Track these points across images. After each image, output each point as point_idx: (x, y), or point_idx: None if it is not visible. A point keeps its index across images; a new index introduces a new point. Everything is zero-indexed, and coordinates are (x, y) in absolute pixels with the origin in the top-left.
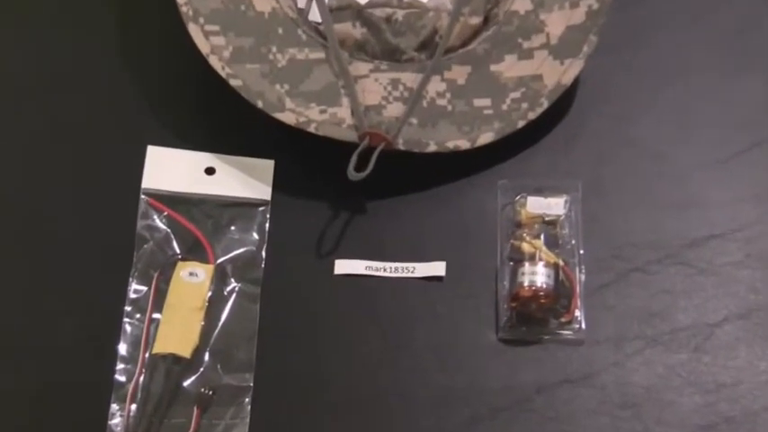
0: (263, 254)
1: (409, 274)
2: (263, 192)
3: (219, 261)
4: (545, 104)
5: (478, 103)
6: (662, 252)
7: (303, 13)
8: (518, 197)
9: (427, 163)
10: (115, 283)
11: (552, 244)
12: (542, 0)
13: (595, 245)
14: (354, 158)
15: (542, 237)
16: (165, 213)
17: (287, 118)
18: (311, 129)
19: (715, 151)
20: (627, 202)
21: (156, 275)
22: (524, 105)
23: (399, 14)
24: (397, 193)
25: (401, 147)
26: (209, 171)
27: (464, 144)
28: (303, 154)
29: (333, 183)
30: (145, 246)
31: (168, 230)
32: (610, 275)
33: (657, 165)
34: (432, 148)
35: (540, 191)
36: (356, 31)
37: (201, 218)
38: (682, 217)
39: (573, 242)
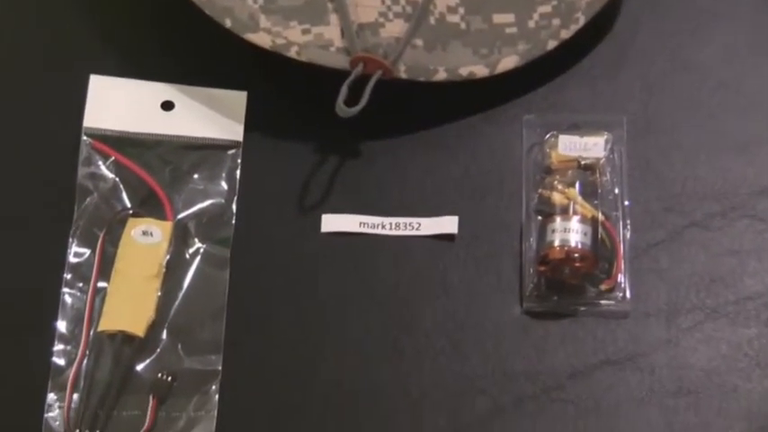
0: (234, 208)
1: (414, 232)
2: (233, 131)
3: (180, 217)
4: (581, 20)
5: (499, 19)
6: (726, 203)
7: None
8: (548, 136)
9: (435, 95)
10: (51, 246)
11: (590, 193)
12: None
13: (644, 195)
14: (345, 90)
15: (578, 185)
16: (113, 158)
17: (261, 40)
18: (291, 53)
19: None
20: (683, 142)
21: (101, 235)
22: (556, 22)
23: None
24: (397, 133)
25: (403, 75)
26: (167, 106)
27: (481, 71)
28: (282, 84)
29: (319, 120)
30: (88, 199)
31: (116, 180)
32: (661, 233)
33: (722, 95)
34: (441, 75)
35: (575, 128)
36: None
37: (157, 164)
38: (751, 160)
39: (616, 191)
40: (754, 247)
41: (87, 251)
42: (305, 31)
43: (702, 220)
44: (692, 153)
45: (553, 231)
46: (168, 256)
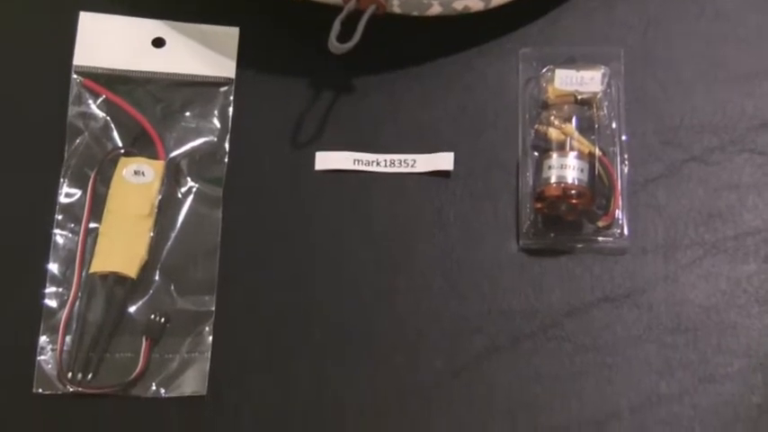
0: (226, 146)
1: (409, 169)
2: (225, 68)
3: (172, 156)
4: None
5: None
6: (725, 136)
7: None
8: (544, 70)
9: (430, 29)
10: (41, 186)
11: (587, 129)
12: None
13: (641, 129)
14: (337, 25)
15: (574, 120)
16: (103, 97)
17: None
18: None
19: None
20: (681, 75)
21: (92, 175)
22: None
23: None
24: (391, 67)
25: (396, 9)
26: (158, 42)
27: (476, 4)
28: (275, 20)
29: (312, 56)
30: (78, 139)
31: (107, 118)
32: (659, 167)
33: (721, 26)
34: (435, 9)
35: (571, 62)
36: None
37: (148, 101)
38: (751, 92)
39: (613, 126)
40: (754, 182)
41: (78, 192)
42: None
43: (701, 154)
44: (691, 86)
45: (549, 168)
46: (160, 196)
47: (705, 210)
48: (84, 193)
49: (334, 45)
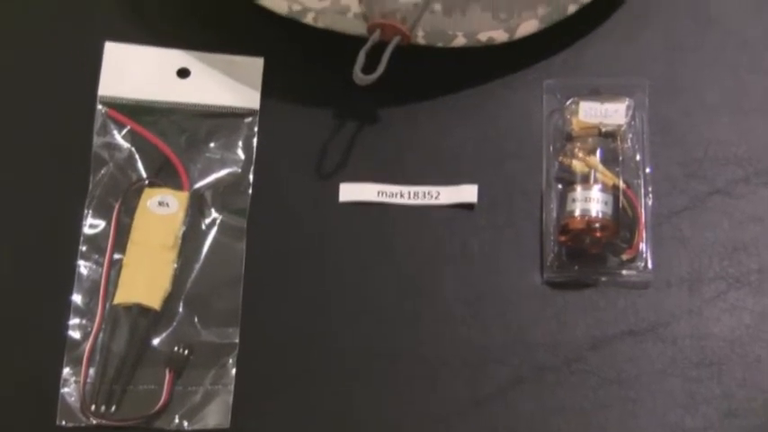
0: (251, 177)
1: (433, 201)
2: (249, 98)
3: (196, 186)
4: None
5: None
6: (750, 169)
7: None
8: (569, 102)
9: (454, 60)
10: (67, 216)
11: (611, 161)
12: None
13: (666, 161)
14: (362, 57)
15: (599, 152)
16: (128, 127)
17: (277, 6)
18: (308, 19)
19: None
20: (706, 105)
21: (116, 206)
22: None
23: None
24: (416, 99)
25: (421, 40)
26: (183, 73)
27: (501, 36)
28: (299, 50)
29: (336, 86)
30: (103, 169)
31: (131, 149)
32: (684, 200)
33: (746, 55)
34: (460, 41)
35: (596, 93)
36: None
37: (173, 132)
38: None
39: (637, 158)
40: None
41: (103, 222)
42: None
43: (725, 186)
44: (715, 117)
45: (574, 200)
46: (184, 227)
47: (729, 243)
48: (109, 223)
49: (359, 77)
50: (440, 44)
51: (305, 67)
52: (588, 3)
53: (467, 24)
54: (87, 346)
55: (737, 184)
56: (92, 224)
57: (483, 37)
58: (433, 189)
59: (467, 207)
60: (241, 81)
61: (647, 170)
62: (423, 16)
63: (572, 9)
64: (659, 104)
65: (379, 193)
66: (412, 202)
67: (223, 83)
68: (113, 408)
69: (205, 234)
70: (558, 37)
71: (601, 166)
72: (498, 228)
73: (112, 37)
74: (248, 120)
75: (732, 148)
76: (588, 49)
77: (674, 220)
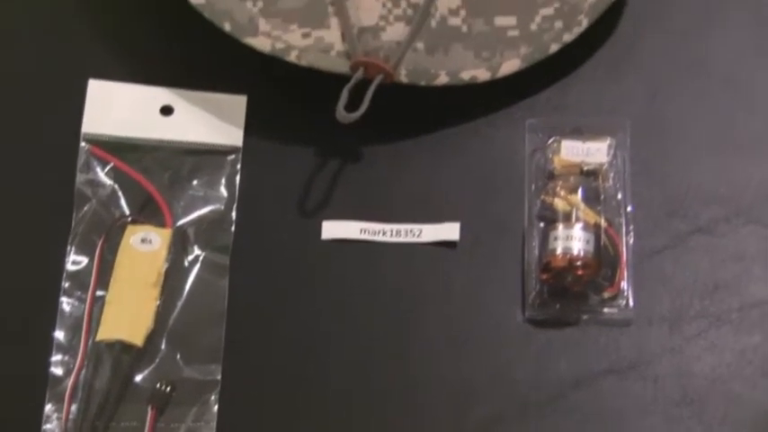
0: (234, 214)
1: (415, 239)
2: (232, 136)
3: (179, 224)
4: (584, 23)
5: (501, 21)
6: (731, 208)
7: None
8: (551, 141)
9: (437, 98)
10: (49, 253)
11: (593, 199)
12: None
13: (647, 200)
14: (345, 95)
15: (580, 191)
16: (111, 164)
17: (260, 44)
18: (291, 57)
19: None
20: (687, 145)
21: (99, 243)
22: (558, 24)
23: None
24: (398, 137)
25: (404, 79)
26: (166, 110)
27: (483, 74)
28: (282, 88)
29: (319, 124)
30: (86, 206)
31: (114, 186)
32: (665, 238)
33: (728, 95)
34: (443, 79)
35: (578, 132)
36: None
37: (156, 169)
38: (756, 164)
39: (619, 197)
40: (759, 253)
41: (85, 259)
42: (305, 35)
43: (706, 225)
44: (697, 156)
45: (555, 239)
46: (167, 264)
47: (710, 281)
48: (92, 260)
49: (342, 114)
50: (423, 83)
51: (288, 104)
52: (570, 42)
53: (450, 63)
54: (70, 382)
55: (719, 224)
56: (75, 261)
57: (466, 76)
58: (416, 227)
59: (449, 245)
60: (224, 119)
61: (629, 209)
62: (406, 55)
63: (554, 48)
64: (641, 144)
65: (361, 230)
66: (394, 239)
67: (206, 120)
68: None
69: (188, 271)
70: (541, 76)
71: (582, 205)
72: (480, 265)
73: (96, 74)
74: (231, 157)
75: (713, 187)
76: (570, 89)
77: (655, 259)
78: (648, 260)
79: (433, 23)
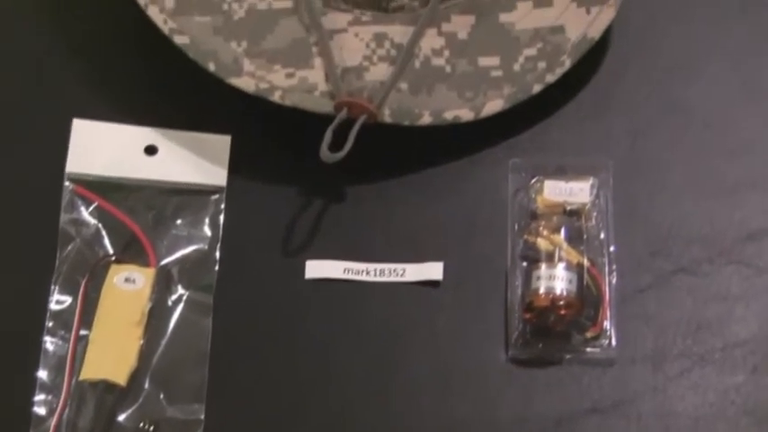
0: (217, 254)
1: (399, 279)
2: (216, 176)
3: (163, 263)
4: (567, 64)
5: (484, 62)
6: (713, 248)
7: None
8: (534, 180)
9: (421, 138)
10: (32, 292)
11: (576, 239)
12: None
13: (630, 240)
14: (329, 135)
15: (563, 230)
16: (95, 203)
17: (245, 84)
18: (275, 98)
19: None
20: (670, 185)
21: (83, 282)
22: (541, 65)
23: None
24: (382, 176)
25: (387, 119)
26: (150, 150)
27: (466, 114)
28: (266, 128)
29: (303, 163)
30: (70, 245)
31: (99, 225)
32: (648, 278)
33: (710, 137)
34: (426, 119)
35: (561, 172)
36: None
37: (140, 209)
38: (739, 203)
39: (602, 236)
40: (741, 293)
41: (69, 298)
42: (289, 75)
43: (689, 265)
44: (679, 196)
45: (538, 278)
46: (151, 303)
47: (693, 321)
48: (75, 299)
49: (326, 154)
50: (406, 122)
51: (272, 144)
52: (553, 82)
53: (433, 103)
54: (53, 422)
55: (701, 264)
56: (58, 300)
57: (449, 115)
58: (399, 266)
59: (433, 284)
60: (208, 158)
61: (612, 248)
62: (389, 95)
63: (537, 88)
64: (623, 184)
65: (345, 270)
66: (378, 279)
67: (190, 160)
68: None
69: (171, 310)
70: (524, 116)
71: (565, 244)
72: (464, 305)
73: (80, 114)
74: (215, 197)
75: (696, 227)
76: (553, 128)
77: (638, 298)
78: (631, 299)
79: (417, 64)
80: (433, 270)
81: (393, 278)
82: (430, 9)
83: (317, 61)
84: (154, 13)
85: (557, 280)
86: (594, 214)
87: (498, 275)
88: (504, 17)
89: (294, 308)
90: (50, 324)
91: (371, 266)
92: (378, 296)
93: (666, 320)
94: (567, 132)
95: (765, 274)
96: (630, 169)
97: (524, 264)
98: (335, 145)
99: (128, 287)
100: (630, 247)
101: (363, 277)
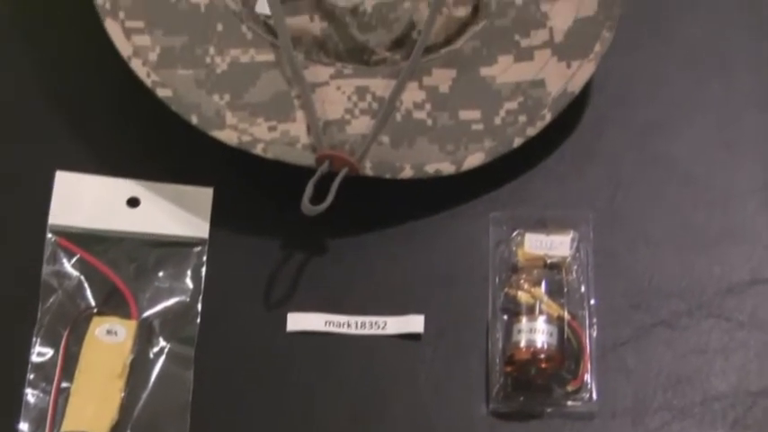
0: (199, 306)
1: (380, 331)
2: (199, 228)
3: (145, 315)
4: (548, 117)
5: (465, 115)
6: (692, 301)
7: (249, 3)
8: (514, 234)
9: (402, 191)
10: (14, 344)
11: (556, 291)
12: None
13: (610, 292)
14: (310, 188)
15: (544, 284)
16: (78, 255)
17: (227, 137)
18: (257, 150)
19: (765, 172)
20: (650, 238)
21: (65, 334)
22: (522, 118)
23: (368, 4)
24: (364, 228)
25: (369, 172)
26: (133, 202)
27: (447, 168)
28: (248, 180)
29: (285, 215)
30: (52, 297)
31: (81, 277)
32: (628, 331)
33: (689, 190)
34: (407, 173)
35: (541, 225)
36: (314, 25)
37: (122, 261)
38: (718, 257)
39: (582, 290)
40: (721, 347)
41: (51, 350)
42: (271, 128)
43: (669, 318)
44: (659, 250)
45: (519, 331)
46: (132, 356)
47: (673, 374)
48: (57, 351)
49: (308, 207)
50: (387, 175)
51: (254, 196)
52: (534, 136)
53: (414, 156)
54: None
55: (681, 317)
56: (40, 352)
57: (430, 169)
58: (380, 319)
59: (414, 337)
60: (190, 211)
61: (592, 301)
62: (371, 148)
63: (518, 142)
64: (604, 237)
65: (326, 322)
66: (359, 332)
67: (173, 212)
68: None
69: (153, 363)
70: (505, 169)
71: (546, 298)
72: (445, 358)
73: (63, 166)
74: (197, 249)
75: (675, 280)
76: (534, 181)
77: (618, 351)
78: (612, 352)
79: (398, 117)
80: (413, 323)
81: (374, 331)
82: (411, 62)
83: (300, 114)
84: (137, 66)
85: (537, 333)
86: (575, 268)
87: (479, 328)
88: (485, 71)
89: (275, 361)
90: (32, 376)
91: (353, 319)
92: (359, 349)
93: (646, 374)
94: (548, 185)
95: (745, 328)
96: (611, 222)
97: (505, 317)
98: (317, 198)
99: (109, 339)
100: (611, 300)
101: (345, 330)
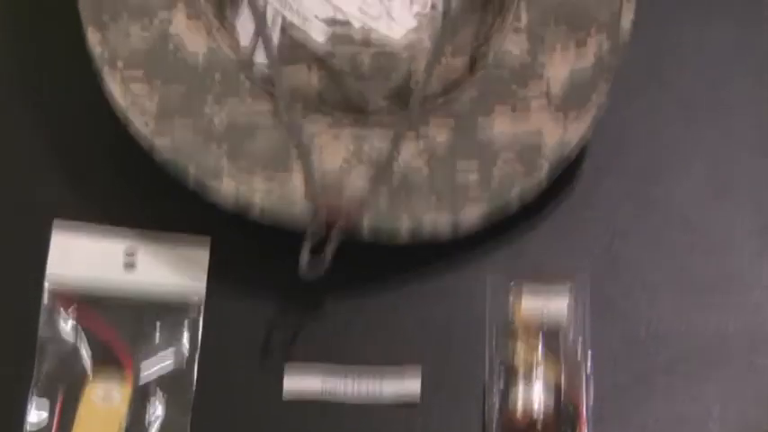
0: (195, 372)
1: (377, 391)
2: (195, 289)
3: (142, 384)
4: (545, 168)
5: (462, 166)
6: (691, 348)
7: (247, 53)
8: (511, 297)
9: (399, 253)
10: (9, 409)
11: (553, 356)
12: (542, 38)
13: (607, 342)
14: (306, 254)
15: (540, 348)
16: (74, 319)
17: (224, 200)
18: (254, 214)
19: (762, 218)
20: (647, 286)
21: (60, 398)
22: (519, 168)
23: (365, 55)
24: (361, 289)
25: (366, 237)
26: (129, 264)
27: (445, 218)
28: (244, 241)
29: (282, 276)
30: (47, 361)
31: (76, 341)
32: (625, 378)
33: (687, 236)
34: (404, 237)
35: (538, 288)
36: (312, 75)
37: (119, 324)
38: (715, 304)
39: (579, 352)
40: (719, 394)
41: (45, 414)
42: (268, 179)
43: (667, 365)
44: (657, 297)
45: (516, 397)
46: (128, 421)
47: (671, 422)
48: (51, 417)
49: (304, 273)
50: (384, 239)
51: (251, 257)
52: (531, 186)
53: (412, 208)
54: None
55: (679, 363)
56: (34, 416)
57: (428, 220)
58: (377, 388)
59: (410, 405)
60: (187, 273)
61: (589, 353)
62: (368, 203)
63: (515, 192)
64: (601, 284)
65: (323, 391)
66: (356, 390)
67: (169, 274)
68: None
69: (148, 428)
70: (503, 228)
71: (543, 362)
72: (441, 422)
73: (60, 225)
74: (193, 314)
75: (674, 326)
76: (532, 244)
77: (616, 399)
78: (609, 401)
79: (396, 167)
80: (410, 388)
81: (371, 387)
82: (409, 112)
83: (296, 165)
84: (134, 114)
85: (534, 399)
86: (571, 331)
87: (476, 393)
88: (482, 121)
89: (271, 427)
90: None
91: (350, 383)
92: (355, 416)
93: (644, 421)
94: (545, 247)
95: (743, 375)
96: (608, 269)
97: (501, 381)
98: (314, 256)
99: (104, 404)
100: (607, 347)
101: (341, 399)
